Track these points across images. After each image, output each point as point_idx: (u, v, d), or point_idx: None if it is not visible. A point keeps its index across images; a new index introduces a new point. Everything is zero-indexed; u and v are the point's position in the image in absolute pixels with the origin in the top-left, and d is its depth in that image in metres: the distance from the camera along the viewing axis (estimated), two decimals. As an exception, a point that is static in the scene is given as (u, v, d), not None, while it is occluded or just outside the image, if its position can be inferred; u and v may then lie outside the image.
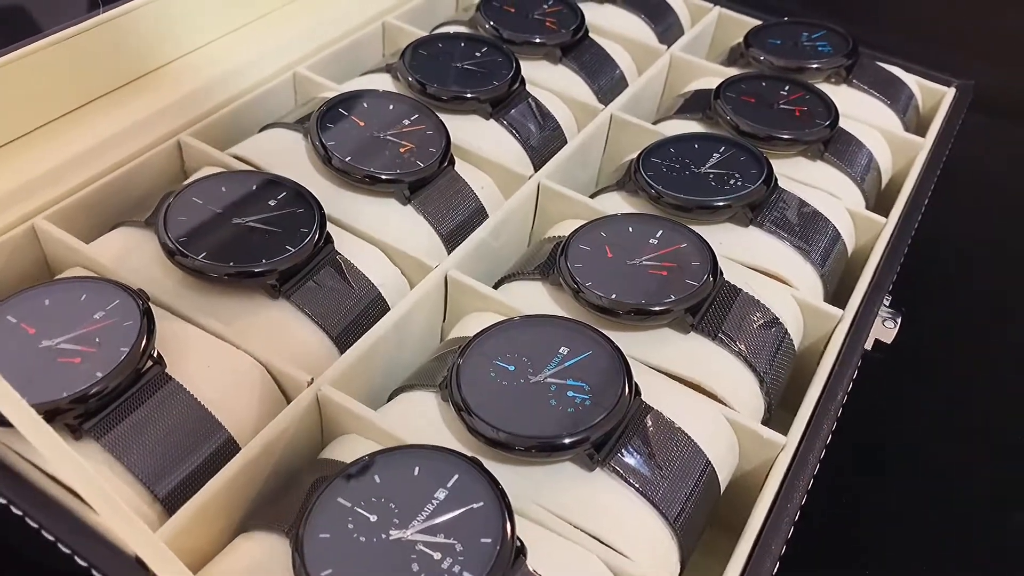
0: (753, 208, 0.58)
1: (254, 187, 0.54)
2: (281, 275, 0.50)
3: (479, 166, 0.62)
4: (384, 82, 0.67)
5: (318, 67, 0.70)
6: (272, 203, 0.53)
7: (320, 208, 0.53)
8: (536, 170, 0.63)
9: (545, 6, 0.76)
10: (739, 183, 0.59)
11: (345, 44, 0.73)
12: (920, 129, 0.76)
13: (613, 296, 0.50)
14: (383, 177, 0.56)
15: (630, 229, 0.55)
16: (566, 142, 0.67)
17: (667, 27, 0.81)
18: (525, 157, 0.65)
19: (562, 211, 0.61)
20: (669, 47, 0.77)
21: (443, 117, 0.62)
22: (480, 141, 0.63)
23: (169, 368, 0.45)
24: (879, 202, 0.68)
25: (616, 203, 0.61)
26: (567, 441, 0.42)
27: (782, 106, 0.67)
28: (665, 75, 0.76)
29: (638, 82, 0.72)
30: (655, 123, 0.70)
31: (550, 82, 0.70)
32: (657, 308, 0.50)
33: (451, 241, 0.58)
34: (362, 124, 0.60)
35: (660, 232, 0.55)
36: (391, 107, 0.62)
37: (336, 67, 0.72)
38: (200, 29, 0.67)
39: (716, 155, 0.61)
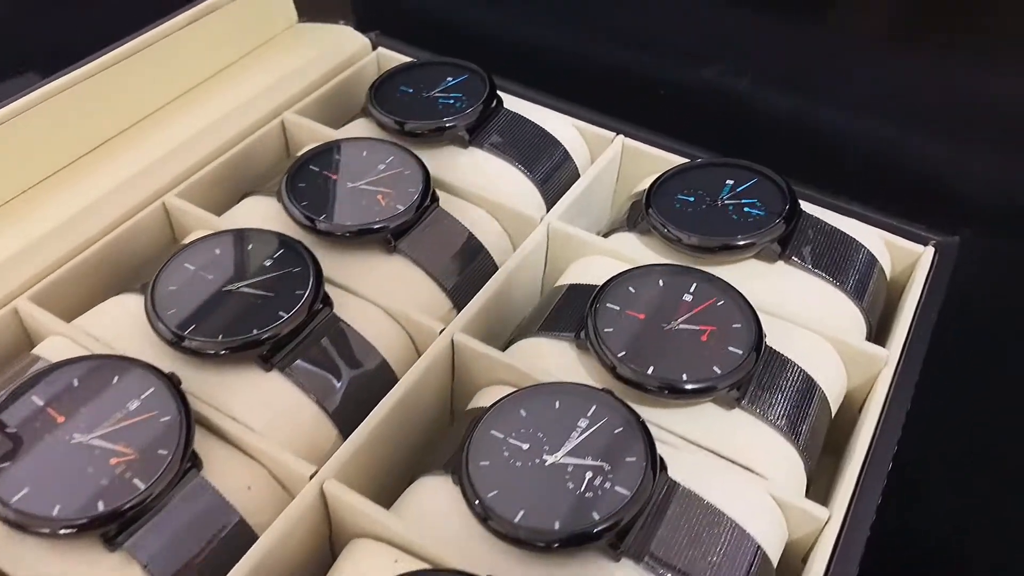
0: (621, 535, 0.39)
1: None
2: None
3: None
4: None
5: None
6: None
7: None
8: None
9: (381, 166, 0.57)
10: (607, 487, 0.40)
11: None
12: (890, 302, 0.57)
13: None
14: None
15: None
16: (393, 382, 0.48)
17: (553, 170, 0.62)
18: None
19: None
20: (549, 209, 0.59)
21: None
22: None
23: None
24: (829, 444, 0.50)
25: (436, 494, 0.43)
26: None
27: (682, 326, 0.48)
28: (544, 253, 0.57)
29: (497, 277, 0.53)
30: (509, 346, 0.51)
31: (375, 287, 0.52)
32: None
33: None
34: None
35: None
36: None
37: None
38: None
39: (577, 432, 0.42)
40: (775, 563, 0.42)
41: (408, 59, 0.69)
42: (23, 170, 0.56)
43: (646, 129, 0.64)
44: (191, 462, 0.42)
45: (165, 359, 0.46)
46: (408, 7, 0.90)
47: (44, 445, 0.40)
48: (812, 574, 0.41)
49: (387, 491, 0.46)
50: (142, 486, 0.40)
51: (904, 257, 0.57)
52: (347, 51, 0.69)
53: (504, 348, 0.52)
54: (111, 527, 0.39)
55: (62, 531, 0.38)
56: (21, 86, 0.56)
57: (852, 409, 0.52)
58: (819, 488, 0.48)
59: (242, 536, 0.42)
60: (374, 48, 0.71)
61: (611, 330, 0.47)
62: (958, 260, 0.57)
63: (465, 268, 0.55)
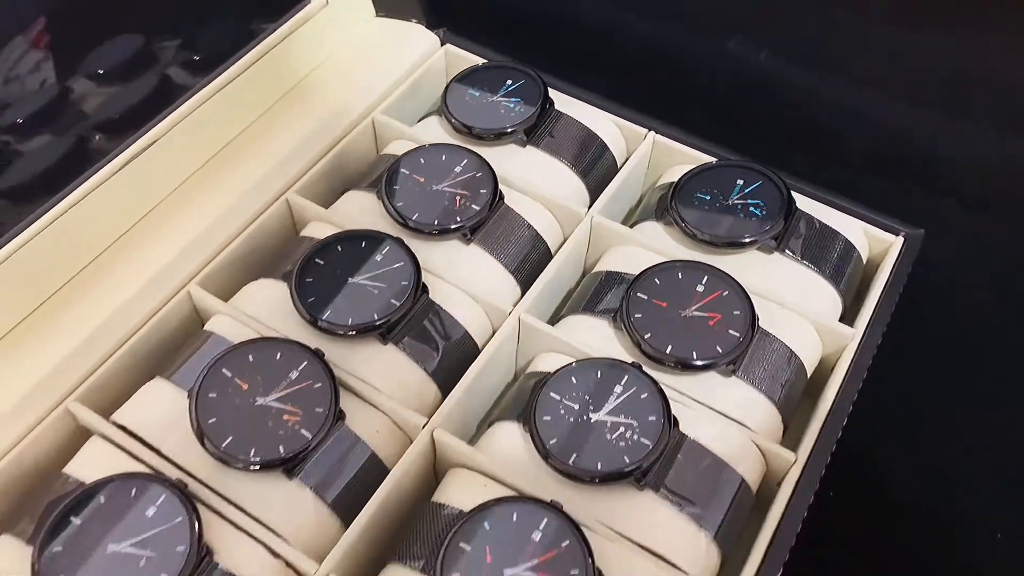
0: (644, 473, 0.56)
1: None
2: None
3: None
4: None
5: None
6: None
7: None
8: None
9: (457, 168, 0.71)
10: (635, 439, 0.56)
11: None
12: (867, 278, 0.71)
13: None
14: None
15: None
16: (477, 352, 0.64)
17: (594, 163, 0.75)
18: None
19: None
20: (592, 202, 0.72)
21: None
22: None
23: None
24: (811, 390, 0.65)
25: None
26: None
27: (695, 312, 0.63)
28: (587, 241, 0.72)
29: (549, 269, 0.68)
30: (559, 319, 0.66)
31: (457, 273, 0.67)
32: None
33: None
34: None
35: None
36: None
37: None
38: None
39: (614, 396, 0.58)
40: (755, 488, 0.59)
41: (471, 56, 0.81)
42: (68, 261, 0.66)
43: (672, 123, 0.77)
44: (338, 416, 0.58)
45: (307, 335, 0.62)
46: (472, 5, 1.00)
47: (237, 406, 0.57)
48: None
49: (472, 429, 0.64)
50: (309, 436, 0.57)
51: (879, 244, 0.71)
52: (420, 50, 0.81)
53: (555, 321, 0.67)
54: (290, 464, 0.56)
55: (252, 468, 0.55)
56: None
57: (827, 367, 0.67)
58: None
59: (375, 467, 0.59)
60: (442, 45, 0.83)
61: (640, 316, 0.62)
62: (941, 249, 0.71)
63: (526, 253, 0.69)
